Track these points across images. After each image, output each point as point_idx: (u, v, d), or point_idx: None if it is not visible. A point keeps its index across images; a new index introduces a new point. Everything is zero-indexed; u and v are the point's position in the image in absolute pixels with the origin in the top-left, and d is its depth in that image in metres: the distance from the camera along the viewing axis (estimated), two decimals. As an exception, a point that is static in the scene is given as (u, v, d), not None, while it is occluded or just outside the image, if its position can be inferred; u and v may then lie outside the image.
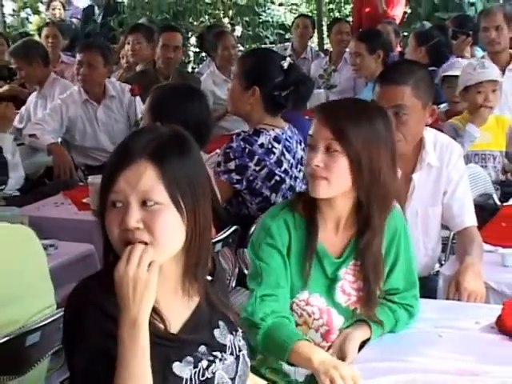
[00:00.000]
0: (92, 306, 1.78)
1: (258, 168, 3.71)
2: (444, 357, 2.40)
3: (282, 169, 3.77)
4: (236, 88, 3.89)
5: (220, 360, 1.91)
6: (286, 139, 3.82)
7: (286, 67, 3.79)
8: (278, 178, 3.76)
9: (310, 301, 2.50)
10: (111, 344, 1.73)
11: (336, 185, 2.41)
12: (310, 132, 2.47)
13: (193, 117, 3.45)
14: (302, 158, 3.86)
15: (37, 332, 2.41)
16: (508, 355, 2.41)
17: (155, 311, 1.77)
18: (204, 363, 1.87)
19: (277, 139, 3.77)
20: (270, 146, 3.73)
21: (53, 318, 2.44)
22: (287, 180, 3.79)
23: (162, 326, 1.81)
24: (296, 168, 3.84)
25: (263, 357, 2.55)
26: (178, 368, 1.82)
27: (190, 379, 1.83)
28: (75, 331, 1.79)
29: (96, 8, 9.40)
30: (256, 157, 3.70)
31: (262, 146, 3.72)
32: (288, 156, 3.80)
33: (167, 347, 1.80)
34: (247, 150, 3.69)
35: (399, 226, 2.59)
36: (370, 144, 2.39)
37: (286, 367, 2.51)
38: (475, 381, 2.24)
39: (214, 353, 1.91)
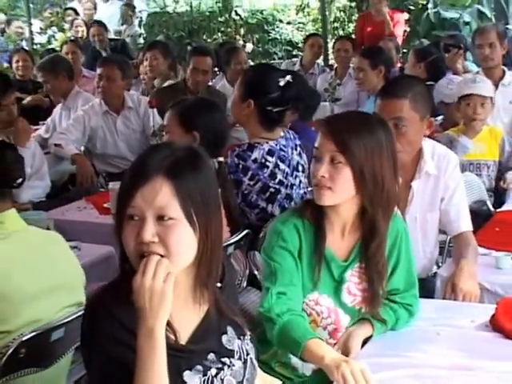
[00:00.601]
0: (106, 315, 1.76)
1: (252, 182, 3.69)
2: (442, 353, 2.40)
3: (277, 180, 3.74)
4: (236, 98, 3.88)
5: (228, 366, 1.89)
6: (281, 149, 3.78)
7: (282, 84, 3.76)
8: (272, 189, 3.74)
9: (319, 301, 2.50)
10: (125, 352, 1.72)
11: (340, 193, 2.41)
12: (316, 144, 2.47)
13: (213, 126, 3.49)
14: (297, 163, 3.85)
15: (61, 328, 2.42)
16: (501, 352, 2.40)
17: (167, 323, 1.75)
18: (213, 371, 1.85)
19: (270, 152, 3.74)
20: (263, 161, 3.70)
21: (76, 315, 2.44)
22: (282, 190, 3.77)
23: (172, 336, 1.79)
24: (292, 175, 3.81)
25: (273, 351, 2.55)
26: (188, 376, 1.80)
27: None
28: (91, 337, 1.78)
29: (102, 52, 9.35)
30: (250, 172, 3.68)
31: (255, 161, 3.69)
32: (282, 166, 3.77)
33: (178, 357, 1.78)
34: (241, 165, 3.67)
35: (400, 229, 2.59)
36: (373, 154, 2.39)
37: (294, 361, 2.51)
38: (470, 375, 2.24)
39: (223, 359, 1.89)
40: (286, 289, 2.43)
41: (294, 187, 3.82)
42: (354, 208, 2.46)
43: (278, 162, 3.75)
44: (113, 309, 1.76)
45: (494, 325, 2.56)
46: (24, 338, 2.29)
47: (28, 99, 7.05)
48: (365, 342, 2.48)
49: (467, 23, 10.13)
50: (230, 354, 1.91)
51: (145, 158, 1.81)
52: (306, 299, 2.50)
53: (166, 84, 6.82)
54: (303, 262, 2.48)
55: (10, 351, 2.27)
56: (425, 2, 10.45)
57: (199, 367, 1.83)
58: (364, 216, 2.46)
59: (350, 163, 2.38)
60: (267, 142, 3.74)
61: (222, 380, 1.87)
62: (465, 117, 4.69)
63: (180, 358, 1.78)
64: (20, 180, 2.44)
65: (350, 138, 2.38)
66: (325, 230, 2.48)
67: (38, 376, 2.42)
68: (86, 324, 1.81)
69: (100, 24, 9.89)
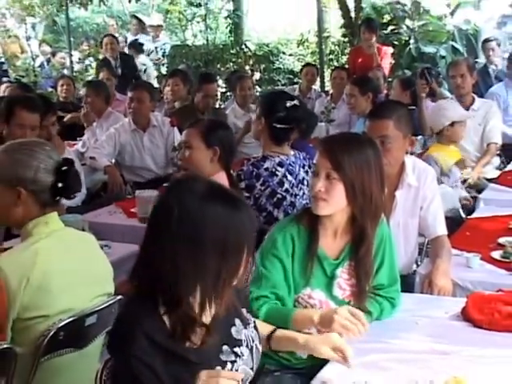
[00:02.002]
0: (138, 334, 1.70)
1: (263, 188, 3.73)
2: (420, 340, 2.40)
3: (284, 188, 3.77)
4: (255, 117, 3.96)
5: (240, 357, 1.86)
6: (290, 164, 3.82)
7: (288, 106, 3.79)
8: (279, 195, 3.76)
9: (312, 295, 2.49)
10: (149, 376, 1.67)
11: (334, 204, 2.41)
12: (314, 161, 2.48)
13: (229, 142, 3.56)
14: (303, 178, 3.86)
15: (94, 315, 2.43)
16: (471, 338, 2.41)
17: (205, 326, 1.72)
18: (229, 365, 1.82)
19: (281, 164, 3.77)
20: (273, 170, 3.75)
21: (107, 304, 2.47)
22: (288, 197, 3.79)
23: (198, 341, 1.74)
24: (297, 187, 3.83)
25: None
26: None
27: None
28: (122, 352, 1.73)
29: (112, 60, 9.28)
30: (261, 178, 3.72)
31: (266, 169, 3.74)
32: (290, 177, 3.79)
33: (200, 366, 1.68)
34: (254, 172, 3.71)
35: (385, 234, 2.59)
36: (362, 171, 2.39)
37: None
38: (445, 359, 2.24)
39: (235, 349, 1.85)
40: (267, 292, 2.42)
41: (298, 197, 3.84)
42: (345, 215, 2.46)
43: (287, 173, 3.79)
44: (143, 324, 1.71)
45: (465, 315, 2.56)
46: (62, 324, 2.30)
47: (68, 117, 7.09)
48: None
49: (443, 57, 10.16)
50: (239, 343, 1.88)
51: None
52: (300, 294, 2.49)
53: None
54: (296, 263, 2.46)
55: (51, 334, 2.28)
56: (407, 38, 10.47)
57: (218, 368, 1.77)
58: (354, 222, 2.46)
59: (342, 179, 2.38)
60: (278, 156, 3.79)
61: (237, 370, 1.83)
62: (449, 139, 4.71)
63: (199, 364, 1.68)
64: (77, 194, 2.49)
65: (343, 157, 2.38)
66: (318, 233, 2.47)
67: (75, 355, 2.43)
68: (119, 336, 1.76)
69: (113, 36, 9.93)
